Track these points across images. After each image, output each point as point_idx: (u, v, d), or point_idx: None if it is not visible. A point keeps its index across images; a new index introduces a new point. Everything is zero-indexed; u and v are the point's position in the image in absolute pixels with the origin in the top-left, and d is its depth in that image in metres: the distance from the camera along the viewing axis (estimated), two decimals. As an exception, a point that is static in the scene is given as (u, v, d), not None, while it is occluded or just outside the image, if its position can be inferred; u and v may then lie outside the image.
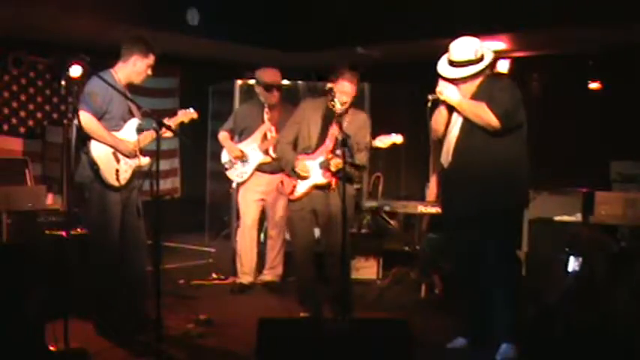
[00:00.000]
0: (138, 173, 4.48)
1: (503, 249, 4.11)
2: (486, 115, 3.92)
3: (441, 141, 4.24)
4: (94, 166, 4.26)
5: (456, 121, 4.09)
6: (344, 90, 4.64)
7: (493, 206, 3.99)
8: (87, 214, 4.52)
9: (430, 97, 4.07)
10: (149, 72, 4.46)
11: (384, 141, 4.65)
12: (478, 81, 4.05)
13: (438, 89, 4.05)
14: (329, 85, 4.71)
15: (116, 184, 4.32)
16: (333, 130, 4.69)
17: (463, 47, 4.01)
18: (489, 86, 4.03)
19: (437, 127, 4.19)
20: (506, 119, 3.91)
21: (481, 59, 4.01)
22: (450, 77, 4.03)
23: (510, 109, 3.95)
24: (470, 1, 6.88)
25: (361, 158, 4.65)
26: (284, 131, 5.03)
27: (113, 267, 4.35)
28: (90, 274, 4.47)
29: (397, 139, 4.65)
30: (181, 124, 4.64)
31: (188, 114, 4.65)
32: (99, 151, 4.28)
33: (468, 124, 4.01)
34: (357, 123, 4.73)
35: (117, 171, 4.32)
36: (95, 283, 4.42)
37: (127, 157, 4.37)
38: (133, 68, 4.39)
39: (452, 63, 4.04)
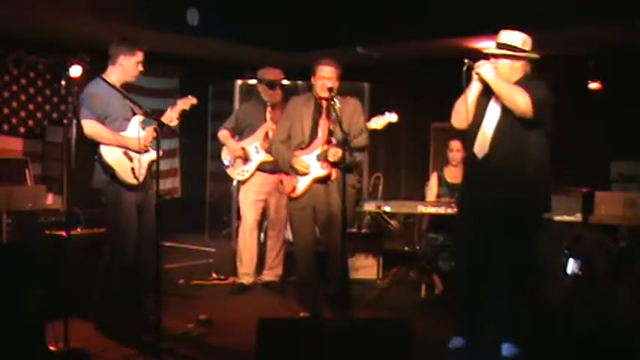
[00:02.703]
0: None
1: (524, 248, 4.10)
2: (521, 97, 3.90)
3: (457, 131, 4.23)
4: (108, 170, 4.29)
5: (492, 112, 4.06)
6: (324, 75, 4.64)
7: (524, 203, 4.00)
8: (106, 217, 4.53)
9: (467, 60, 4.02)
10: (140, 68, 4.48)
11: (379, 122, 4.63)
12: (518, 75, 4.05)
13: (477, 63, 4.02)
14: (312, 80, 4.74)
15: (135, 181, 4.35)
16: (325, 122, 4.73)
17: (512, 33, 4.06)
18: (527, 84, 4.01)
19: (466, 115, 4.13)
20: (539, 108, 3.91)
21: (523, 51, 4.05)
22: (490, 52, 4.05)
23: (545, 101, 3.95)
24: (470, 1, 6.88)
25: (361, 141, 4.66)
26: (276, 131, 5.05)
27: (129, 268, 4.37)
28: (96, 274, 4.49)
29: (392, 117, 4.62)
30: (182, 122, 4.64)
31: (188, 101, 4.65)
32: (110, 155, 4.29)
33: (507, 118, 3.99)
34: (349, 108, 4.72)
35: (132, 169, 4.34)
36: (104, 283, 4.43)
37: (139, 152, 4.39)
38: (123, 68, 4.41)
39: (497, 45, 4.07)
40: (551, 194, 4.21)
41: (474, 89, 4.11)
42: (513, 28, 4.10)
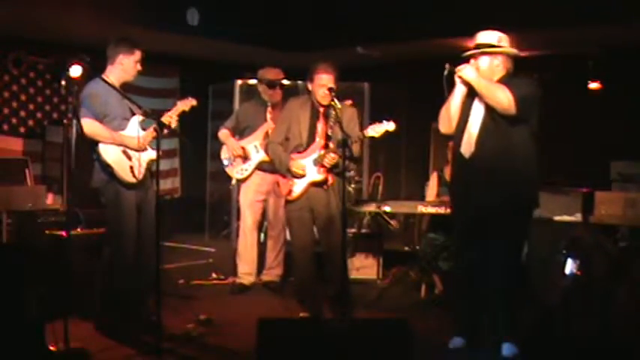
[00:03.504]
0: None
1: (515, 247, 4.14)
2: (503, 94, 3.93)
3: (447, 136, 4.26)
4: (107, 168, 4.30)
5: (476, 112, 4.09)
6: (322, 83, 4.66)
7: (513, 200, 4.02)
8: (105, 217, 4.55)
9: (447, 65, 4.08)
10: (138, 67, 4.49)
11: (376, 130, 4.63)
12: (500, 73, 4.10)
13: (458, 68, 4.08)
14: (310, 85, 4.76)
15: (133, 180, 4.36)
16: (322, 126, 4.74)
17: (487, 33, 4.13)
18: (509, 81, 4.06)
19: (449, 121, 4.19)
20: (522, 104, 3.94)
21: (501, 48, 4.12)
22: (469, 54, 4.11)
23: (528, 97, 3.98)
24: (470, 1, 6.88)
25: (355, 150, 4.66)
26: (273, 132, 5.07)
27: (129, 267, 4.38)
28: (96, 274, 4.49)
29: (389, 126, 4.62)
30: (182, 122, 4.65)
31: (187, 102, 4.66)
32: (109, 153, 4.30)
33: (491, 116, 4.02)
34: (346, 116, 4.73)
35: (131, 167, 4.35)
36: (104, 283, 4.44)
37: (137, 151, 4.40)
38: (122, 67, 4.43)
39: (474, 46, 4.13)
40: (538, 190, 4.22)
41: (458, 93, 4.16)
42: (494, 29, 4.15)
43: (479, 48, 4.11)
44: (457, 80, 4.11)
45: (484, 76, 4.06)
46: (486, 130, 4.05)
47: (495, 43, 4.10)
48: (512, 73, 4.15)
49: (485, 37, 4.13)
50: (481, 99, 4.06)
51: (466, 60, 4.13)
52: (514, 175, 4.03)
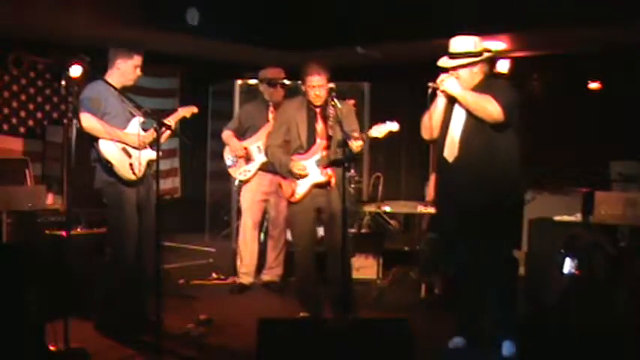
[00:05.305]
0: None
1: (504, 247, 4.15)
2: (492, 106, 3.92)
3: (432, 141, 4.27)
4: (107, 164, 4.30)
5: (458, 117, 4.08)
6: (313, 84, 4.65)
7: (498, 202, 4.01)
8: (107, 218, 4.57)
9: (430, 84, 4.07)
10: (138, 72, 4.49)
11: (380, 130, 4.60)
12: (478, 78, 4.08)
13: (438, 80, 4.05)
14: (302, 87, 4.75)
15: (133, 177, 4.36)
16: (322, 127, 4.74)
17: (462, 40, 4.06)
18: (489, 84, 4.06)
19: (430, 129, 4.18)
20: (509, 112, 3.94)
21: (480, 54, 4.06)
22: (448, 66, 4.05)
23: (512, 102, 3.99)
24: (470, 1, 6.88)
25: (358, 148, 4.60)
26: (272, 135, 5.04)
27: (129, 267, 4.38)
28: (96, 274, 4.50)
29: (393, 126, 4.59)
30: (182, 121, 4.66)
31: (189, 109, 4.68)
32: (109, 150, 4.31)
33: (473, 120, 4.02)
34: (343, 112, 4.68)
35: (131, 165, 4.36)
36: (105, 282, 4.45)
37: (137, 148, 4.40)
38: (119, 71, 4.43)
39: (451, 55, 4.06)
40: (523, 187, 4.25)
41: (440, 104, 4.14)
42: (469, 33, 4.10)
43: (456, 56, 4.04)
44: (439, 93, 4.09)
45: (465, 84, 4.04)
46: (469, 133, 4.04)
47: (473, 50, 4.04)
48: (490, 74, 4.16)
49: (462, 44, 4.05)
50: (462, 104, 4.06)
51: (443, 70, 4.07)
52: (499, 176, 4.02)
